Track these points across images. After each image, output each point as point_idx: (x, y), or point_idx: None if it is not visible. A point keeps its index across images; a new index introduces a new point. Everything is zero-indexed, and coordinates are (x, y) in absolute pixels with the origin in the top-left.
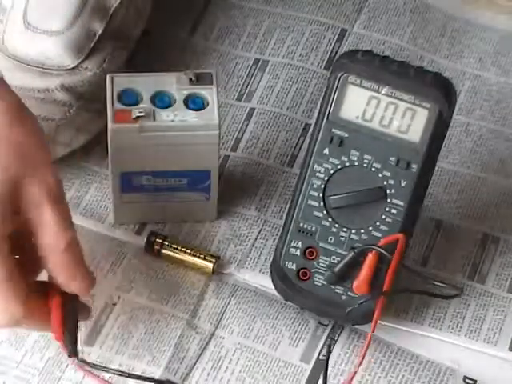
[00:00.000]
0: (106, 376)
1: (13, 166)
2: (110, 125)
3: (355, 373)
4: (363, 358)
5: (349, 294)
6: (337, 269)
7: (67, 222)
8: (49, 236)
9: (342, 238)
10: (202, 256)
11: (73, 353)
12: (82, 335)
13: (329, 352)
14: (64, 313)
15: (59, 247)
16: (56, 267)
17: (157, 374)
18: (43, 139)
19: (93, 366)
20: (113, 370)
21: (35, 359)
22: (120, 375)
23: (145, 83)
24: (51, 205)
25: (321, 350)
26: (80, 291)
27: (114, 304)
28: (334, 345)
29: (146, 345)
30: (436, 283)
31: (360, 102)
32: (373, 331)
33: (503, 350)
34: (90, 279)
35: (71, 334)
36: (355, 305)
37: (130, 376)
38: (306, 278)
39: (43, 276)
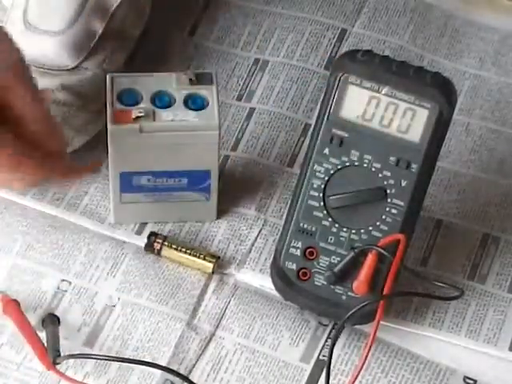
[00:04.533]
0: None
1: None
2: (109, 125)
3: (357, 375)
4: (364, 363)
5: (349, 294)
6: (337, 269)
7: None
8: (26, 99)
9: (342, 238)
10: (202, 256)
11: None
12: (82, 336)
13: (330, 352)
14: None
15: (38, 104)
16: (37, 121)
17: (157, 374)
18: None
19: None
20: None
21: (35, 362)
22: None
23: (145, 83)
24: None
25: (321, 350)
26: (60, 147)
27: (114, 306)
28: (334, 345)
29: (146, 346)
30: (436, 283)
31: (360, 102)
32: (373, 338)
33: (503, 350)
34: (64, 140)
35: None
36: (355, 305)
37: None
38: (306, 278)
39: None
